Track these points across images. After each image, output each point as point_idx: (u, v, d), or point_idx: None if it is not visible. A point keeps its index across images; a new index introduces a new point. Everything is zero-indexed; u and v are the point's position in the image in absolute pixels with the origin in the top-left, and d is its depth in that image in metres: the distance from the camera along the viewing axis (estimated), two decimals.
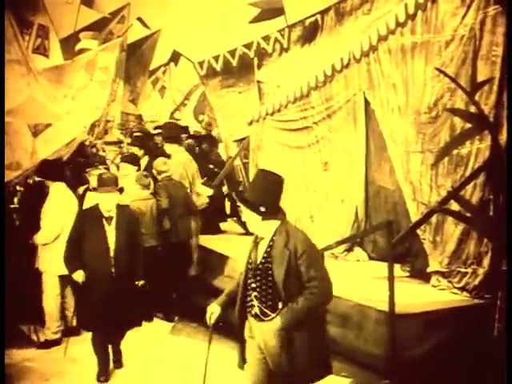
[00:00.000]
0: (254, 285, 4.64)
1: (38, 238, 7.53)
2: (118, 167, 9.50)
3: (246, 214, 4.64)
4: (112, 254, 6.41)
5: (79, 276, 6.39)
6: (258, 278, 4.63)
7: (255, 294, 4.59)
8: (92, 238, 6.42)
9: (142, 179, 8.41)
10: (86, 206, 7.65)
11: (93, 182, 7.82)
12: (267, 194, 4.73)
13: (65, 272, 7.20)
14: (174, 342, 7.90)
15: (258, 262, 4.69)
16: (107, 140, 10.10)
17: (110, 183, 6.51)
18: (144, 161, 9.33)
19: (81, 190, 8.19)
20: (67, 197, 7.74)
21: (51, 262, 7.45)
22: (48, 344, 7.46)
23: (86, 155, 9.73)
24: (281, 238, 4.50)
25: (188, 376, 6.64)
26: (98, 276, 6.37)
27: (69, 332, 7.54)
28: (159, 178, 8.75)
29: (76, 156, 9.50)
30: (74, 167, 9.07)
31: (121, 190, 6.67)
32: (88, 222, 6.51)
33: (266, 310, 4.53)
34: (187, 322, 8.49)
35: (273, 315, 4.48)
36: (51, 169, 7.94)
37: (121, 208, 6.61)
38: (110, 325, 6.51)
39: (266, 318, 4.52)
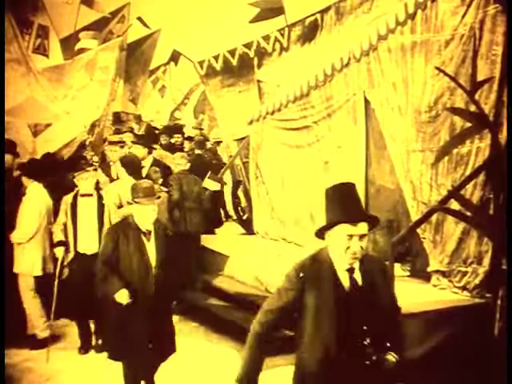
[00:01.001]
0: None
1: (13, 237, 7.49)
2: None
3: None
4: (153, 272, 5.58)
5: (123, 296, 5.43)
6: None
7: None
8: (129, 256, 5.56)
9: (152, 173, 8.78)
10: (81, 214, 7.37)
11: (82, 187, 7.33)
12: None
13: (38, 273, 7.47)
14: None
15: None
16: (110, 139, 9.90)
17: (150, 193, 5.66)
18: (149, 159, 9.25)
19: (69, 197, 7.39)
20: (43, 198, 7.68)
21: (25, 263, 7.42)
22: (41, 343, 7.39)
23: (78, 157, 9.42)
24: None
25: (188, 375, 6.65)
26: (136, 299, 5.49)
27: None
28: (175, 170, 9.26)
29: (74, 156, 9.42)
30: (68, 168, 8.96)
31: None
32: (123, 238, 5.59)
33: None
34: (188, 321, 8.50)
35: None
36: (33, 168, 7.86)
37: (156, 220, 5.74)
38: (148, 354, 5.64)
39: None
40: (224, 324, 7.75)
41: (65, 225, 7.38)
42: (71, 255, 7.35)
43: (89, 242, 7.32)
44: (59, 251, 7.32)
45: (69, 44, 13.85)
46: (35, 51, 12.20)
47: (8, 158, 8.18)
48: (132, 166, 8.41)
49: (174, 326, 6.00)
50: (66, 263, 7.38)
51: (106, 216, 7.41)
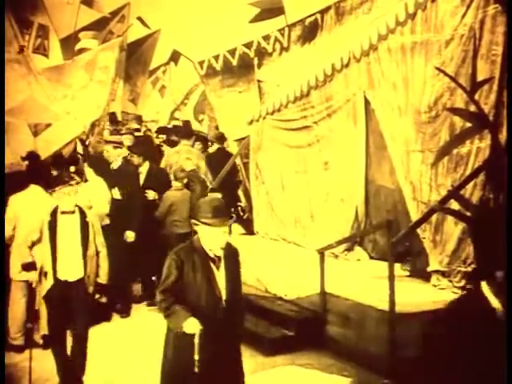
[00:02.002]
0: None
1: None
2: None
3: None
4: (223, 305, 4.69)
5: (193, 326, 4.48)
6: None
7: None
8: (196, 288, 4.67)
9: (177, 173, 9.04)
10: (61, 234, 6.25)
11: (62, 203, 6.25)
12: None
13: (22, 277, 7.07)
14: None
15: None
16: (109, 139, 9.63)
17: (221, 212, 4.68)
18: (145, 166, 9.19)
19: (45, 214, 6.37)
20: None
21: (12, 266, 7.25)
22: (18, 348, 7.23)
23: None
24: None
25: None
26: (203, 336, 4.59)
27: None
28: (187, 169, 9.40)
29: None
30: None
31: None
32: (189, 265, 4.71)
33: None
34: None
35: None
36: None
37: (227, 245, 4.83)
38: None
39: None
40: None
41: (34, 243, 6.38)
42: (49, 283, 6.18)
43: (71, 267, 6.23)
44: (31, 276, 6.38)
45: (69, 44, 13.84)
46: (35, 51, 12.19)
47: None
48: (99, 165, 8.45)
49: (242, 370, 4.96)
50: (41, 292, 6.29)
51: (91, 236, 6.34)
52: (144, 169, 9.06)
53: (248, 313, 7.69)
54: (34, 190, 7.45)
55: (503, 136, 6.23)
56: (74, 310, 6.26)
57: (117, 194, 8.48)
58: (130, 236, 8.43)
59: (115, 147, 8.73)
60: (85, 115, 10.45)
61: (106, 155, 8.90)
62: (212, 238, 4.64)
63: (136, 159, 9.08)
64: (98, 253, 6.40)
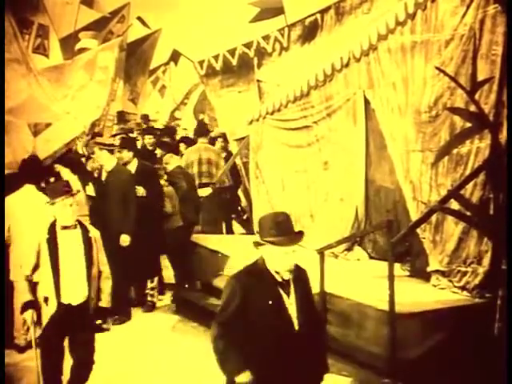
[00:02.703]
0: None
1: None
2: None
3: None
4: (296, 336, 4.06)
5: (246, 378, 3.99)
6: None
7: None
8: (263, 316, 4.01)
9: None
10: (62, 252, 5.63)
11: (62, 216, 5.66)
12: None
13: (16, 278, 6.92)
14: (174, 341, 7.91)
15: None
16: (99, 141, 9.46)
17: (291, 229, 4.21)
18: (134, 163, 9.20)
19: (43, 232, 5.70)
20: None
21: (11, 266, 7.28)
22: (21, 349, 7.30)
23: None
24: None
25: (188, 374, 6.66)
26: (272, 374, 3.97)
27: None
28: (169, 168, 9.79)
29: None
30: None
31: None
32: (253, 291, 4.09)
33: None
34: (187, 321, 8.51)
35: None
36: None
37: (296, 267, 4.30)
38: None
39: None
40: None
41: (34, 270, 5.67)
42: (52, 309, 5.61)
43: (75, 289, 5.66)
44: (27, 316, 5.64)
45: (69, 44, 13.84)
46: (35, 51, 12.17)
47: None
48: (74, 163, 8.48)
49: None
50: (45, 319, 5.71)
51: (95, 253, 5.75)
52: (133, 166, 9.05)
53: None
54: (28, 190, 7.48)
55: (503, 136, 6.23)
56: (75, 333, 5.74)
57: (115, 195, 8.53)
58: (125, 240, 8.38)
59: (109, 151, 8.72)
60: (85, 115, 10.44)
61: (96, 157, 8.90)
62: (278, 258, 4.10)
63: (125, 155, 9.04)
64: (100, 273, 5.79)
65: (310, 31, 9.97)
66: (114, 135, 11.04)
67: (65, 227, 5.62)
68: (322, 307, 7.04)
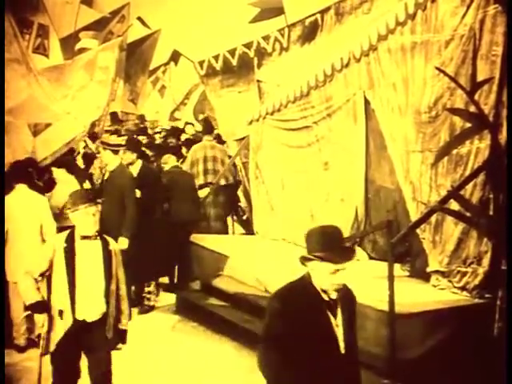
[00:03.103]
0: None
1: None
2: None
3: None
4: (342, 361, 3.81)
5: None
6: None
7: None
8: (311, 339, 3.73)
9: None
10: (80, 264, 5.17)
11: (81, 225, 5.23)
12: None
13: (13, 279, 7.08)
14: (174, 341, 7.91)
15: None
16: (105, 141, 9.36)
17: (339, 242, 4.13)
18: (137, 165, 9.21)
19: (60, 239, 5.31)
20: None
21: (8, 268, 7.33)
22: (21, 349, 7.34)
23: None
24: None
25: (187, 375, 6.66)
26: None
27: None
28: (166, 168, 10.08)
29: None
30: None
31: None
32: (299, 310, 3.77)
33: None
34: (187, 321, 8.51)
35: None
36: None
37: (344, 286, 4.08)
38: None
39: None
40: (224, 324, 7.76)
41: (44, 276, 5.25)
42: (67, 324, 5.15)
43: (91, 305, 5.22)
44: (40, 320, 5.23)
45: (69, 44, 13.86)
46: (35, 51, 12.19)
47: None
48: (69, 163, 8.45)
49: None
50: (55, 336, 5.19)
51: (114, 267, 5.33)
52: (136, 167, 9.04)
53: (248, 313, 7.74)
54: (21, 190, 7.49)
55: (503, 136, 6.23)
56: (91, 352, 5.31)
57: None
58: (123, 243, 8.16)
59: (113, 151, 8.71)
60: (85, 115, 10.45)
61: (101, 156, 8.90)
62: (326, 276, 3.87)
63: (128, 156, 9.03)
64: (118, 290, 5.36)
65: (310, 31, 9.96)
66: (120, 135, 11.06)
67: (85, 237, 5.18)
68: None
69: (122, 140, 9.68)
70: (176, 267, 9.92)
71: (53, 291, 5.17)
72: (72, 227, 5.26)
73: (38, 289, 5.12)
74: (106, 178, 8.97)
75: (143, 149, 11.33)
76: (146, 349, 7.50)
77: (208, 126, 12.51)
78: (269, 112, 9.96)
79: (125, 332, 5.50)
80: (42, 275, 5.19)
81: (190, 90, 17.80)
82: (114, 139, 9.17)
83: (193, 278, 9.36)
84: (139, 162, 9.19)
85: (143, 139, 11.97)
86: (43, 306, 5.10)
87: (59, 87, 10.60)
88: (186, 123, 15.80)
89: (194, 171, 11.07)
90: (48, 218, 7.50)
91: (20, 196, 7.47)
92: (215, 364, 6.97)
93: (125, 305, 5.44)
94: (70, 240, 5.18)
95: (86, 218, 5.14)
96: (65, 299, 5.09)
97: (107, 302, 5.22)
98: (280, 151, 9.85)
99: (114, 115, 14.62)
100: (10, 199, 7.40)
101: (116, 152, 8.76)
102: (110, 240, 5.38)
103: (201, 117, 16.21)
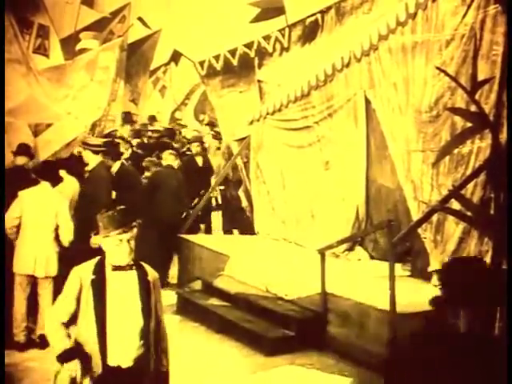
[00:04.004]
0: None
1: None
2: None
3: None
4: None
5: None
6: None
7: None
8: None
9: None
10: (111, 300, 4.20)
11: (113, 253, 4.27)
12: None
13: (27, 271, 7.18)
14: (175, 341, 7.89)
15: None
16: (86, 141, 9.09)
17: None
18: (116, 165, 9.22)
19: (86, 271, 4.31)
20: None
21: (16, 260, 7.31)
22: (19, 346, 7.28)
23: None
24: None
25: (188, 375, 6.64)
26: None
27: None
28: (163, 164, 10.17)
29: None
30: None
31: None
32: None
33: None
34: (188, 321, 8.49)
35: None
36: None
37: None
38: None
39: None
40: (224, 324, 7.75)
41: (73, 315, 4.30)
42: (97, 370, 4.22)
43: (126, 348, 4.25)
44: (71, 368, 4.16)
45: (69, 44, 13.84)
46: (35, 51, 12.17)
47: (24, 160, 8.17)
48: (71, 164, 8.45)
49: None
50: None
51: (153, 301, 4.36)
52: (114, 169, 9.03)
53: (248, 313, 7.74)
54: (44, 188, 7.52)
55: (504, 136, 6.22)
56: None
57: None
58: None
59: (94, 152, 8.64)
60: (86, 115, 10.46)
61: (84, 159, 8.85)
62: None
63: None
64: (158, 327, 4.43)
65: (311, 31, 9.97)
66: (105, 136, 10.99)
67: (117, 268, 4.29)
68: (323, 307, 7.06)
69: (101, 141, 9.56)
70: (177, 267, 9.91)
71: (80, 331, 4.25)
72: (101, 255, 4.36)
73: (68, 335, 4.25)
74: (86, 177, 8.88)
75: (135, 149, 11.37)
76: None
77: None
78: (270, 112, 9.97)
79: (167, 374, 4.51)
80: (71, 316, 4.26)
81: (191, 90, 17.79)
82: (93, 139, 9.07)
83: (194, 277, 9.35)
84: (118, 163, 9.16)
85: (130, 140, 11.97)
86: (75, 353, 4.21)
87: (60, 87, 10.61)
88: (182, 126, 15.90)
89: None
90: (65, 220, 7.51)
91: (42, 192, 7.51)
92: (216, 364, 6.96)
93: (166, 343, 4.53)
94: (100, 271, 4.29)
95: (119, 246, 4.25)
96: (93, 342, 4.18)
97: (146, 343, 4.28)
98: (281, 151, 9.85)
99: (127, 115, 14.65)
100: (31, 193, 7.45)
101: (96, 152, 8.67)
102: (148, 269, 4.44)
103: (201, 117, 16.21)
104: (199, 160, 11.46)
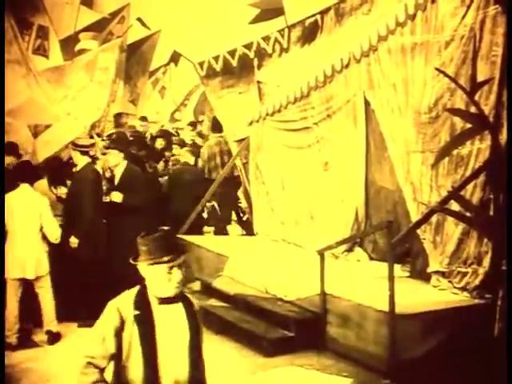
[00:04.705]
0: None
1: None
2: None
3: None
4: None
5: None
6: None
7: None
8: None
9: None
10: (161, 337, 3.59)
11: (158, 282, 3.63)
12: None
13: (17, 275, 7.24)
14: None
15: None
16: (74, 141, 8.90)
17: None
18: (121, 166, 8.82)
19: (126, 303, 3.66)
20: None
21: (7, 264, 7.30)
22: (12, 347, 7.30)
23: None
24: None
25: None
26: None
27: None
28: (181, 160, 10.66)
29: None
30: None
31: None
32: None
33: None
34: None
35: None
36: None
37: None
38: None
39: None
40: (224, 325, 7.74)
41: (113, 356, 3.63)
42: None
43: None
44: None
45: (69, 45, 13.84)
46: (35, 52, 12.18)
47: (11, 159, 8.14)
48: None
49: None
50: None
51: (201, 339, 3.86)
52: (119, 169, 8.75)
53: (248, 313, 7.74)
54: (24, 189, 7.51)
55: (503, 137, 6.23)
56: None
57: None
58: (73, 242, 8.04)
59: (82, 153, 8.54)
60: (85, 116, 10.45)
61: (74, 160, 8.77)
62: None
63: (113, 156, 8.81)
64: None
65: (310, 32, 9.96)
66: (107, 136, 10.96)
67: (165, 300, 3.69)
68: (323, 308, 7.05)
69: (90, 142, 9.44)
70: None
71: (124, 372, 3.63)
72: (140, 284, 3.75)
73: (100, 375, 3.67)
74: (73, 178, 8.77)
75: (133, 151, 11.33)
76: None
77: (217, 125, 12.76)
78: (269, 113, 9.96)
79: None
80: (110, 359, 3.65)
81: (191, 91, 17.80)
82: (82, 140, 8.96)
83: (193, 278, 9.34)
84: (124, 164, 8.77)
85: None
86: None
87: (59, 88, 10.61)
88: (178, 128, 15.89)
89: (212, 165, 11.49)
90: (49, 218, 7.52)
91: (22, 194, 7.50)
92: (215, 365, 6.95)
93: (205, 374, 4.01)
94: (143, 304, 3.67)
95: (168, 275, 3.63)
96: (139, 382, 3.61)
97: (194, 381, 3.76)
98: (280, 152, 9.85)
99: (117, 117, 14.60)
100: (12, 197, 7.43)
101: (84, 153, 8.57)
102: (192, 298, 3.92)
103: (201, 117, 16.20)
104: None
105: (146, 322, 3.62)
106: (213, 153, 11.60)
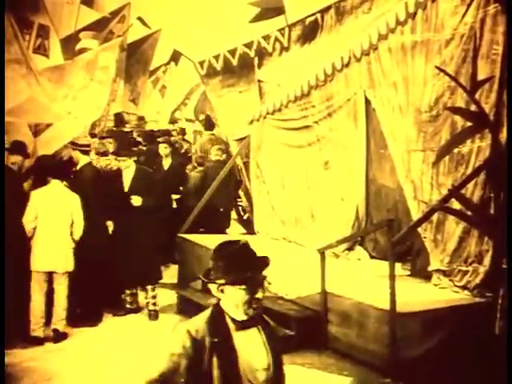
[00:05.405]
0: None
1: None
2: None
3: None
4: None
5: None
6: None
7: None
8: None
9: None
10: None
11: (235, 304, 3.21)
12: None
13: (47, 268, 7.35)
14: None
15: None
16: (74, 141, 8.86)
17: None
18: (131, 169, 8.87)
19: (199, 326, 3.26)
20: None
21: (34, 257, 7.41)
22: (37, 341, 7.38)
23: None
24: None
25: None
26: None
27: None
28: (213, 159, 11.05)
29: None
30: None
31: None
32: None
33: None
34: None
35: None
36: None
37: None
38: None
39: None
40: None
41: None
42: None
43: None
44: None
45: (69, 44, 13.83)
46: (35, 51, 12.16)
47: (18, 159, 8.16)
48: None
49: None
50: None
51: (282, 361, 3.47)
52: (129, 172, 8.60)
53: None
54: (55, 186, 7.57)
55: (503, 135, 6.23)
56: None
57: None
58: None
59: (82, 152, 8.55)
60: (85, 115, 10.44)
61: (75, 159, 8.75)
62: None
63: (122, 159, 8.72)
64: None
65: (311, 31, 9.96)
66: (105, 137, 10.92)
67: (243, 324, 3.26)
68: (323, 307, 7.06)
69: (89, 141, 9.38)
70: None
71: None
72: (214, 307, 3.30)
73: None
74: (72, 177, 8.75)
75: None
76: (147, 349, 7.49)
77: (210, 123, 13.00)
78: (269, 112, 9.97)
79: None
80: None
81: (191, 90, 17.81)
82: (82, 140, 8.96)
83: (194, 277, 9.33)
84: (133, 166, 8.64)
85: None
86: None
87: (60, 87, 10.59)
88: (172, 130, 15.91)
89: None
90: (79, 217, 7.61)
91: (54, 190, 7.57)
92: None
93: None
94: (221, 330, 3.19)
95: (246, 295, 3.24)
96: None
97: None
98: (280, 151, 9.86)
99: (117, 116, 14.59)
100: (42, 192, 7.51)
101: (84, 152, 8.57)
102: (267, 318, 3.60)
103: (201, 117, 16.21)
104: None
105: (227, 349, 3.15)
106: (205, 150, 11.89)
